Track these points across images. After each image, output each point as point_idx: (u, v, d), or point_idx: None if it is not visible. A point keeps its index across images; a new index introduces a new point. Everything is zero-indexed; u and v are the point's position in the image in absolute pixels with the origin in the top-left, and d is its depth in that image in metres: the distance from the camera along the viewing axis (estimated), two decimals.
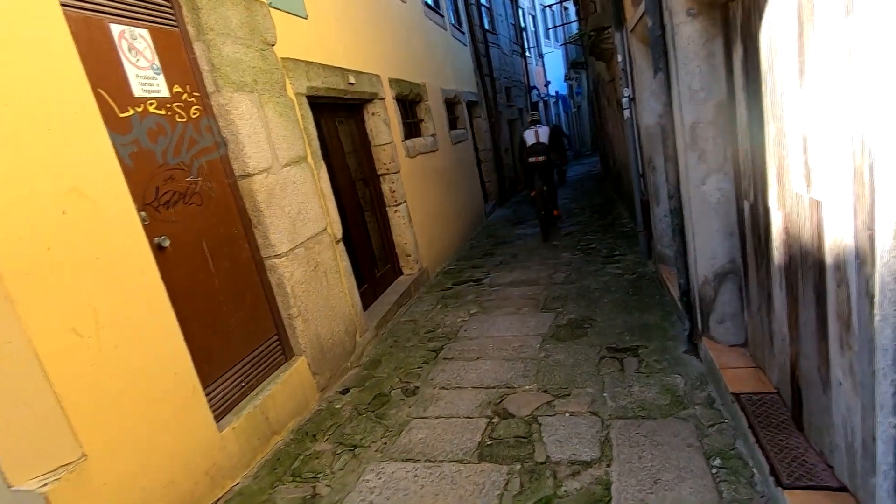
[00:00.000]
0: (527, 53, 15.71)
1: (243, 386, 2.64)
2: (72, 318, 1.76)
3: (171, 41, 2.48)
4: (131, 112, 2.19)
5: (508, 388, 2.90)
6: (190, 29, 2.58)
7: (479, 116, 9.45)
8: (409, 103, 6.00)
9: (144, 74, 2.29)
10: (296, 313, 2.98)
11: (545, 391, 2.80)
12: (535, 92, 16.38)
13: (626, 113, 4.51)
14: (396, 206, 4.95)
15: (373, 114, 4.77)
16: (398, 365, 3.46)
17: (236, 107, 2.71)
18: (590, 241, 6.10)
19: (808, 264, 1.67)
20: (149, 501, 1.96)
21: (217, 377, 2.48)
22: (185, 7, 2.56)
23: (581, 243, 6.05)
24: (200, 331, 2.40)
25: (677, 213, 2.81)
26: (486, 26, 10.92)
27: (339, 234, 3.64)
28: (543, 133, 6.57)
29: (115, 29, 2.18)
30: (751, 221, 2.22)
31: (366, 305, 4.12)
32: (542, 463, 2.21)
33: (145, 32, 2.33)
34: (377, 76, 4.79)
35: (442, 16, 7.68)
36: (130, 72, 2.22)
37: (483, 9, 10.75)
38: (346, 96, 4.18)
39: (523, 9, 16.52)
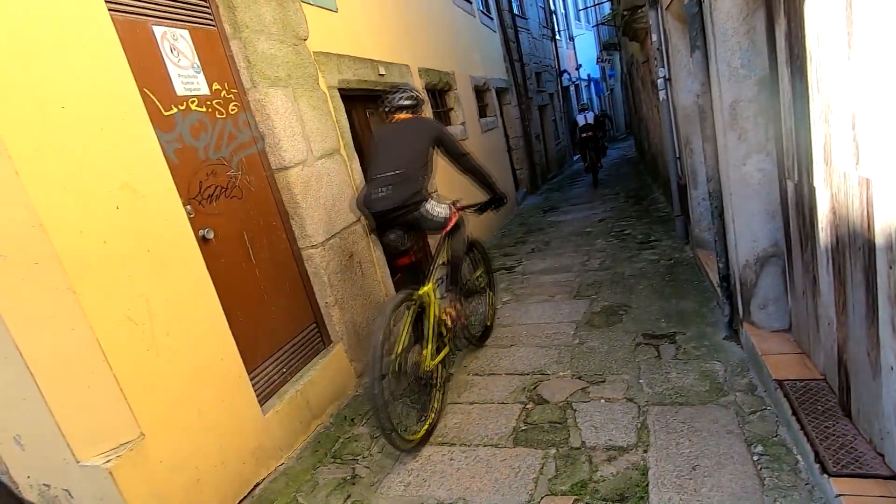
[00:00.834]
0: (557, 37, 15.39)
1: (285, 371, 2.75)
2: (127, 306, 1.87)
3: (210, 40, 2.57)
4: (175, 110, 2.29)
5: (542, 374, 2.91)
6: (227, 27, 2.66)
7: (509, 103, 9.34)
8: (439, 92, 6.00)
9: (186, 73, 2.38)
10: (332, 302, 3.06)
11: (580, 378, 2.79)
12: (566, 76, 16.03)
13: (662, 94, 4.37)
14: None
15: None
16: None
17: (272, 102, 2.79)
18: (624, 226, 5.99)
19: (856, 245, 1.60)
20: (202, 479, 2.08)
21: (260, 362, 2.59)
22: (221, 6, 2.64)
23: (615, 229, 5.94)
24: (244, 319, 2.51)
25: (716, 196, 2.73)
26: (515, 11, 10.74)
27: (373, 225, 3.70)
28: (590, 117, 9.87)
29: (158, 30, 2.27)
30: (795, 202, 2.14)
31: None
32: (577, 448, 2.22)
33: (185, 33, 2.42)
34: (406, 66, 4.81)
35: (470, 2, 7.60)
36: (173, 71, 2.31)
37: None
38: (376, 87, 4.21)
39: None
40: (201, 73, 2.47)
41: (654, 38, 4.20)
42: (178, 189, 2.16)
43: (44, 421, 1.77)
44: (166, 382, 1.99)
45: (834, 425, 1.85)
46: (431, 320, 2.65)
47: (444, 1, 6.44)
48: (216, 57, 2.59)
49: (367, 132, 4.23)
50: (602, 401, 2.54)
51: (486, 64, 8.05)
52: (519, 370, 3.01)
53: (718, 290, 2.96)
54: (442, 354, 2.74)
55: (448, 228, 2.81)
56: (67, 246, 1.70)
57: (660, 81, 4.32)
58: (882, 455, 1.65)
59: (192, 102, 2.39)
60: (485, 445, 2.37)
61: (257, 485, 2.36)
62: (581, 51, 19.73)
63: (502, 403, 2.69)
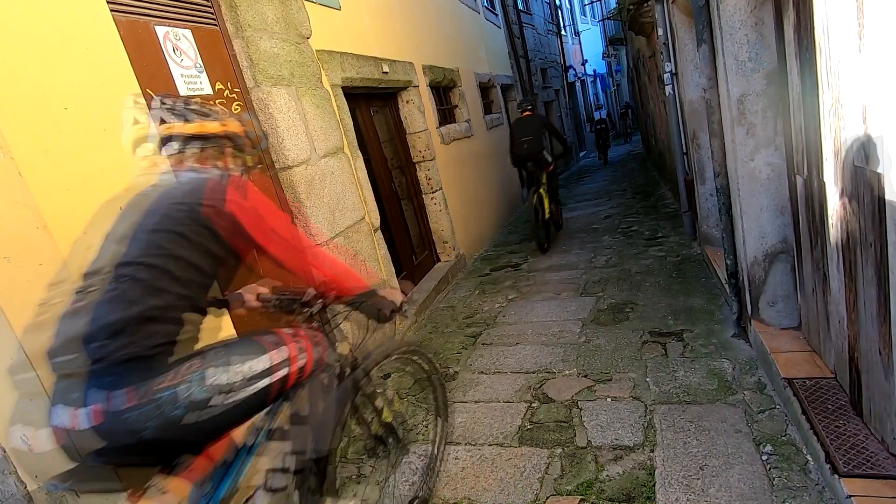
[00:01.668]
0: (562, 32, 15.28)
1: None
2: None
3: (212, 39, 2.57)
4: None
5: (548, 372, 2.89)
6: (229, 27, 2.66)
7: (514, 100, 9.29)
8: (443, 90, 5.97)
9: (188, 73, 2.38)
10: None
11: (586, 376, 2.77)
12: (571, 72, 15.93)
13: (669, 89, 4.32)
14: (433, 193, 4.96)
15: (407, 102, 4.79)
16: (437, 350, 3.51)
17: (275, 101, 2.78)
18: (631, 223, 5.94)
19: (868, 241, 1.57)
20: None
21: None
22: (223, 5, 2.63)
23: (622, 226, 5.89)
24: (247, 319, 2.50)
25: (724, 192, 2.69)
26: (520, 6, 10.68)
27: (377, 223, 3.70)
28: (603, 112, 13.93)
29: (160, 31, 2.27)
30: (804, 198, 2.10)
31: (404, 292, 4.18)
32: (583, 447, 2.20)
33: (188, 32, 2.42)
34: (410, 64, 4.79)
35: None
36: (175, 71, 2.31)
37: None
38: (380, 85, 4.21)
39: None
40: (204, 72, 2.47)
41: (661, 32, 4.15)
42: None
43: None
44: None
45: (845, 425, 1.82)
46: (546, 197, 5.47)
47: None
48: (219, 56, 2.59)
49: (370, 130, 4.23)
50: (608, 399, 2.52)
51: (491, 60, 8.01)
52: (524, 368, 2.99)
53: (726, 287, 2.92)
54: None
55: (550, 168, 5.54)
56: (72, 253, 1.70)
57: (666, 76, 4.27)
58: (894, 455, 1.62)
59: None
60: (490, 444, 2.36)
61: None
62: (587, 46, 19.58)
63: (508, 402, 2.68)
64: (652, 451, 2.09)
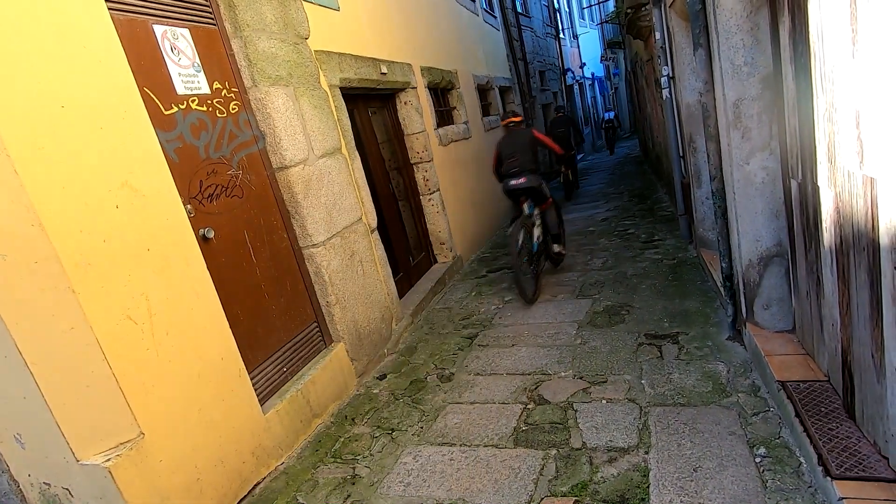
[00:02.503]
0: (561, 35, 15.32)
1: (285, 370, 2.75)
2: (127, 306, 1.87)
3: (210, 39, 2.57)
4: (175, 109, 2.29)
5: (544, 374, 2.90)
6: (227, 26, 2.66)
7: (513, 102, 9.31)
8: (441, 91, 5.98)
9: (186, 72, 2.38)
10: (333, 301, 3.06)
11: (581, 378, 2.78)
12: (569, 74, 15.98)
13: (666, 92, 4.34)
14: (430, 194, 4.97)
15: (405, 103, 4.79)
16: (433, 351, 3.51)
17: (272, 101, 2.78)
18: (627, 226, 5.96)
19: (861, 245, 1.58)
20: (201, 478, 2.08)
21: (261, 361, 2.59)
22: (222, 5, 2.64)
23: (619, 228, 5.91)
24: (244, 318, 2.51)
25: (720, 195, 2.71)
26: (519, 9, 10.71)
27: (374, 224, 3.70)
28: (612, 114, 15.91)
29: (158, 29, 2.27)
30: (799, 201, 2.11)
31: (401, 293, 4.18)
32: (577, 449, 2.21)
33: (186, 32, 2.42)
34: (409, 65, 4.80)
35: (473, 0, 7.58)
36: (173, 70, 2.31)
37: None
38: (378, 86, 4.21)
39: None
40: (202, 72, 2.47)
41: (658, 35, 4.17)
42: (178, 188, 2.16)
43: (44, 420, 1.78)
44: (166, 381, 1.99)
45: (838, 427, 1.83)
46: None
47: None
48: (217, 56, 2.59)
49: (368, 131, 4.23)
50: (603, 401, 2.52)
51: (490, 62, 8.03)
52: (520, 370, 3.00)
53: (722, 289, 2.93)
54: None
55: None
56: (67, 245, 1.70)
57: (663, 80, 4.29)
58: (886, 458, 1.63)
59: (193, 101, 2.39)
60: (485, 446, 2.36)
61: (257, 484, 2.36)
62: (585, 49, 19.64)
63: (503, 403, 2.68)
64: (646, 452, 2.10)
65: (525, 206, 4.12)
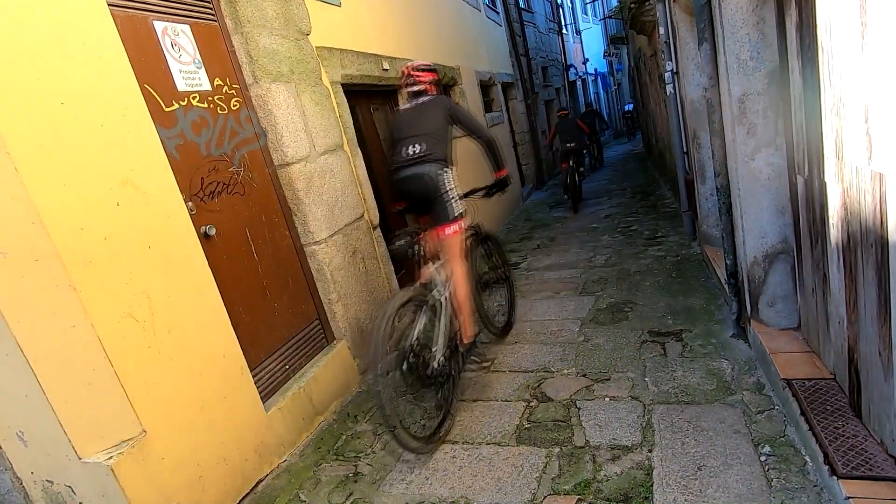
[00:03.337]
0: (564, 31, 15.25)
1: (287, 368, 2.74)
2: (128, 303, 1.87)
3: (211, 35, 2.55)
4: (176, 106, 2.28)
5: (546, 372, 2.88)
6: (228, 22, 2.65)
7: (515, 98, 9.28)
8: (444, 87, 5.95)
9: (187, 69, 2.37)
10: (335, 298, 3.05)
11: (584, 375, 2.76)
12: (572, 70, 15.90)
13: (669, 88, 4.31)
14: None
15: None
16: None
17: (274, 97, 2.77)
18: (631, 222, 5.93)
19: (868, 242, 1.56)
20: (204, 476, 2.08)
21: (263, 359, 2.59)
22: (223, 1, 2.62)
23: (622, 225, 5.89)
24: (246, 315, 2.50)
25: (724, 191, 2.68)
26: (522, 4, 10.65)
27: (376, 221, 3.69)
28: (630, 107, 16.17)
29: (159, 26, 2.26)
30: (805, 197, 2.09)
31: None
32: (581, 447, 2.20)
33: (187, 28, 2.41)
34: (410, 61, 4.77)
35: None
36: (174, 67, 2.30)
37: None
38: (380, 83, 4.19)
39: None
40: (202, 68, 2.46)
41: (662, 30, 4.13)
42: (179, 185, 2.15)
43: (46, 418, 1.78)
44: (168, 379, 1.98)
45: (844, 426, 1.82)
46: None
47: None
48: (218, 52, 2.57)
49: (370, 128, 4.21)
50: (607, 399, 2.51)
51: (492, 58, 7.99)
52: (523, 367, 2.99)
53: (726, 287, 2.91)
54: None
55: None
56: (68, 243, 1.69)
57: (667, 75, 4.26)
58: (893, 457, 1.62)
59: (194, 98, 2.38)
60: (488, 443, 2.35)
61: (260, 481, 2.36)
62: (588, 45, 19.55)
63: (506, 401, 2.67)
64: (650, 451, 2.08)
65: (571, 162, 7.35)
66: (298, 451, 2.58)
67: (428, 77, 2.92)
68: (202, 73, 2.45)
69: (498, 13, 8.92)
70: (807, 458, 1.87)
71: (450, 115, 2.78)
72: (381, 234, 3.74)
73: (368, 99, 4.25)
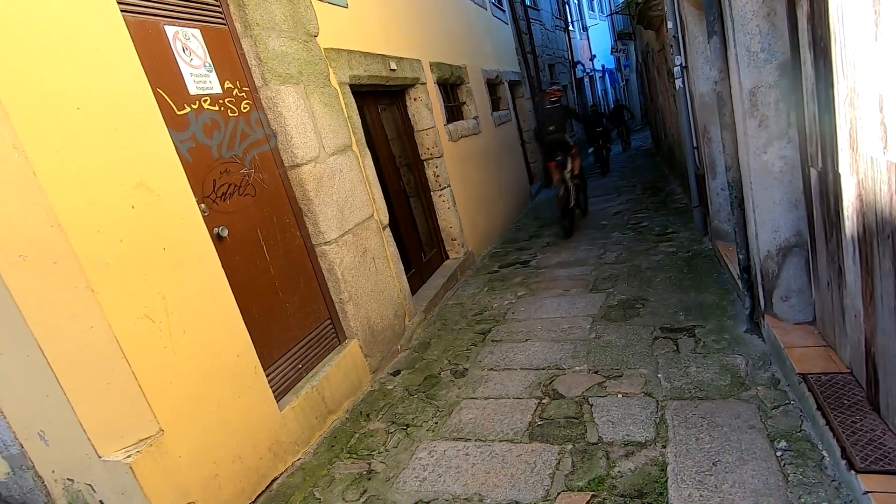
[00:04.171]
0: (570, 27, 15.18)
1: (300, 367, 2.77)
2: (144, 304, 1.90)
3: (221, 39, 2.58)
4: (188, 109, 2.30)
5: (558, 369, 2.88)
6: (237, 25, 2.67)
7: (522, 96, 9.25)
8: (451, 86, 5.96)
9: (198, 72, 2.40)
10: (346, 298, 3.07)
11: (596, 372, 2.76)
12: (580, 67, 15.82)
13: (679, 82, 4.27)
14: (441, 190, 4.96)
15: (414, 99, 4.78)
16: (447, 347, 3.51)
17: (283, 99, 2.79)
18: (641, 219, 5.89)
19: (885, 233, 1.54)
20: (220, 474, 2.11)
21: (276, 359, 2.61)
22: (232, 4, 2.65)
23: (632, 222, 5.85)
24: (259, 315, 2.52)
25: (736, 185, 2.66)
26: (528, 2, 10.61)
27: (386, 220, 3.70)
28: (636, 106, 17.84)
29: (170, 30, 2.29)
30: (819, 190, 2.07)
31: (413, 290, 4.18)
32: (594, 443, 2.19)
33: (197, 32, 2.44)
34: (418, 61, 4.78)
35: None
36: (185, 70, 2.33)
37: None
38: (387, 83, 4.21)
39: None
40: (213, 71, 2.49)
41: (670, 25, 4.10)
42: (192, 188, 2.18)
43: (66, 417, 1.81)
44: (183, 379, 2.01)
45: (861, 420, 1.79)
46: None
47: None
48: (227, 55, 2.60)
49: (378, 128, 4.23)
50: (619, 395, 2.50)
51: (499, 57, 7.98)
52: (534, 365, 2.98)
53: (739, 281, 2.89)
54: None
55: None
56: (85, 245, 1.72)
57: (676, 69, 4.22)
58: None
59: (205, 101, 2.41)
60: (500, 441, 2.36)
61: (275, 480, 2.38)
62: (595, 41, 19.43)
63: (518, 398, 2.67)
64: (664, 447, 2.07)
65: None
66: (312, 450, 2.60)
67: (557, 95, 6.11)
68: (213, 76, 2.48)
69: (504, 11, 8.90)
70: (824, 452, 1.85)
71: (564, 111, 6.08)
72: (390, 233, 3.75)
73: (376, 99, 4.27)
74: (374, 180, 3.65)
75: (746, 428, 2.07)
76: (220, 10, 2.61)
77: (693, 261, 4.10)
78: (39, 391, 1.81)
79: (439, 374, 3.15)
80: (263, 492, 2.31)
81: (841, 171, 1.79)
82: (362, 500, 2.17)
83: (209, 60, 2.48)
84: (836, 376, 2.05)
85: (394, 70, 4.22)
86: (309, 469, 2.46)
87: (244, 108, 2.64)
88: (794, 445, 1.92)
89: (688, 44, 3.89)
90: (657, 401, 2.39)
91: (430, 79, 5.03)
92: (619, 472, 2.00)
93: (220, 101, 2.50)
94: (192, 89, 2.35)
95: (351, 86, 3.57)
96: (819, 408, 1.91)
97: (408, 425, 2.65)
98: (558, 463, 2.12)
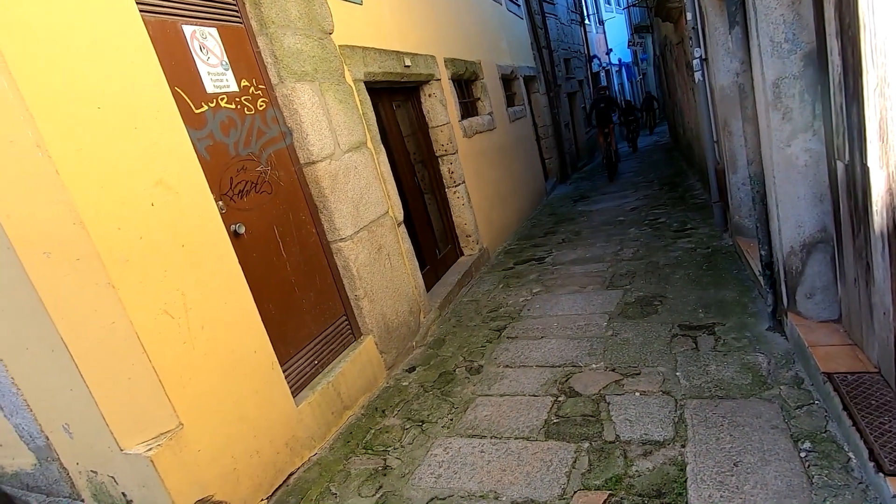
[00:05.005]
0: (586, 21, 15.00)
1: (316, 363, 2.79)
2: (164, 301, 1.92)
3: (237, 37, 2.60)
4: (205, 108, 2.33)
5: (574, 366, 2.85)
6: (253, 24, 2.69)
7: (537, 91, 9.17)
8: (465, 82, 5.93)
9: (215, 71, 2.42)
10: (362, 294, 3.08)
11: (613, 370, 2.72)
12: (595, 61, 15.63)
13: (698, 75, 4.19)
14: (455, 186, 4.95)
15: (429, 95, 4.77)
16: (462, 344, 3.50)
17: (299, 97, 2.80)
18: (658, 214, 5.80)
19: None
20: (238, 468, 2.14)
21: (292, 355, 2.63)
22: (248, 3, 2.66)
23: (649, 217, 5.77)
24: (275, 312, 2.55)
25: (758, 180, 2.60)
26: None
27: (401, 217, 3.71)
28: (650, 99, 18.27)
29: (188, 30, 2.31)
30: (845, 184, 2.00)
31: (428, 286, 4.18)
32: (611, 442, 2.17)
33: (214, 31, 2.46)
34: (432, 57, 4.77)
35: None
36: (202, 69, 2.35)
37: None
38: (402, 79, 4.20)
39: None
40: (230, 70, 2.51)
41: (689, 16, 4.02)
42: (209, 185, 2.20)
43: (89, 411, 1.85)
44: (202, 374, 2.04)
45: (890, 421, 1.74)
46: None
47: None
48: (244, 54, 2.62)
49: (393, 125, 4.23)
50: (637, 393, 2.47)
51: (514, 52, 7.91)
52: (550, 362, 2.96)
53: (761, 278, 2.82)
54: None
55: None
56: (106, 242, 1.75)
57: (695, 62, 4.14)
58: None
59: (222, 99, 2.43)
60: (516, 438, 2.34)
61: (291, 474, 2.40)
62: (611, 35, 19.17)
63: (533, 396, 2.66)
64: (683, 446, 2.04)
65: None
66: (328, 445, 2.62)
67: (605, 89, 10.79)
68: (229, 74, 2.50)
69: (519, 6, 8.82)
70: (850, 454, 1.80)
71: (609, 99, 9.42)
72: (405, 230, 3.76)
73: (391, 96, 4.27)
74: (389, 177, 3.66)
75: (769, 428, 2.02)
76: (237, 8, 2.63)
77: (712, 257, 4.03)
78: (64, 385, 1.86)
79: (454, 370, 3.15)
80: (280, 486, 2.34)
81: (870, 163, 1.73)
82: (378, 495, 2.18)
83: (226, 59, 2.50)
84: (864, 376, 1.99)
85: (408, 66, 4.21)
86: (325, 464, 2.48)
87: (260, 106, 2.66)
88: (819, 446, 1.87)
89: (707, 35, 3.81)
90: (676, 399, 2.35)
91: (444, 75, 5.01)
92: (636, 471, 1.97)
93: (237, 100, 2.52)
94: (210, 88, 2.37)
95: (366, 83, 3.57)
96: (845, 408, 1.86)
97: (423, 422, 2.66)
98: (575, 461, 2.10)
